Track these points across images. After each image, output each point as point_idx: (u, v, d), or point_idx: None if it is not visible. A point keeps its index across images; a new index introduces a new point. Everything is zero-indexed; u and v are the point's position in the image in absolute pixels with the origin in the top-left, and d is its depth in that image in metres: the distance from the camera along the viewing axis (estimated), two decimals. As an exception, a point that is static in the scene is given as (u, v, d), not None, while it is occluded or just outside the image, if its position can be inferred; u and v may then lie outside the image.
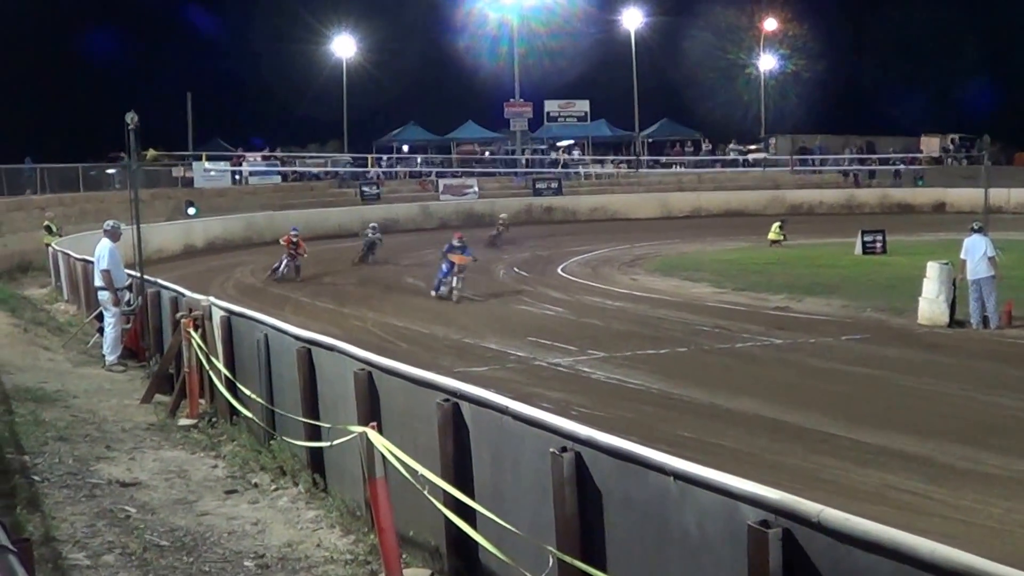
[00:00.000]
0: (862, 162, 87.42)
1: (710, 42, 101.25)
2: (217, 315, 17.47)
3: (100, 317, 24.07)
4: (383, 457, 9.97)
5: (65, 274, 34.95)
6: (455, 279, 35.49)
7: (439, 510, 9.53)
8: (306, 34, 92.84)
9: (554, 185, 77.38)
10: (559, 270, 42.86)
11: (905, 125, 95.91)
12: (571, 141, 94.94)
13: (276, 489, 13.55)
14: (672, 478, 7.13)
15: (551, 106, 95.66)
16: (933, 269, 27.76)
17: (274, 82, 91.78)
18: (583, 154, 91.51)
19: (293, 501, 12.99)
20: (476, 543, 9.22)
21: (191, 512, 12.64)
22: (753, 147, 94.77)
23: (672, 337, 26.26)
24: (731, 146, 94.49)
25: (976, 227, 28.36)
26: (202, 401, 17.96)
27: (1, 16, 77.21)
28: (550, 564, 7.98)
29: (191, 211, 60.70)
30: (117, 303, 23.23)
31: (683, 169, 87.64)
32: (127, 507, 12.59)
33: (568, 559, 7.87)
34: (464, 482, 9.65)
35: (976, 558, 5.35)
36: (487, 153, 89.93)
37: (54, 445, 15.36)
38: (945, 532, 11.22)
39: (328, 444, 11.95)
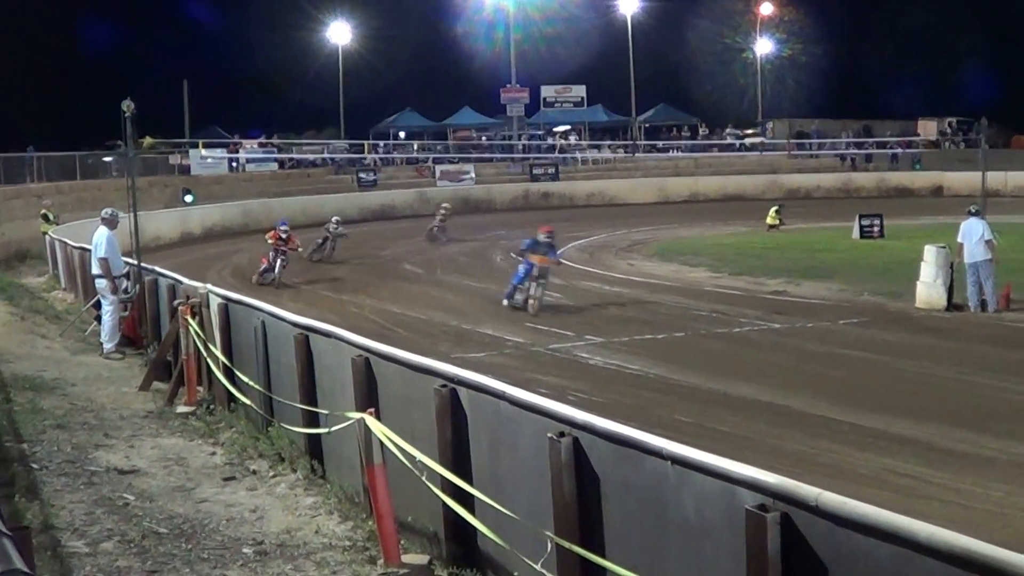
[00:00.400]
0: (859, 146, 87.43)
1: (707, 27, 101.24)
2: (214, 302, 17.47)
3: (98, 305, 24.08)
4: (381, 443, 9.99)
5: (63, 262, 34.92)
6: (534, 285, 28.73)
7: (437, 496, 9.54)
8: (302, 20, 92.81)
9: (551, 170, 77.35)
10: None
11: (902, 109, 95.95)
12: (568, 126, 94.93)
13: (274, 476, 13.56)
14: (670, 463, 7.14)
15: (548, 92, 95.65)
16: (930, 253, 27.75)
17: (270, 69, 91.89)
18: (580, 139, 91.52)
19: (291, 488, 12.99)
20: (474, 529, 9.24)
21: (189, 499, 12.65)
22: (750, 132, 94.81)
23: (670, 322, 26.26)
24: (728, 131, 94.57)
25: (973, 210, 28.35)
26: (200, 388, 17.97)
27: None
28: (548, 549, 7.98)
29: (188, 199, 60.62)
30: (115, 291, 23.24)
31: (680, 154, 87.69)
32: (125, 495, 12.60)
33: (566, 544, 7.88)
34: (462, 468, 9.66)
35: (974, 541, 5.35)
36: (484, 139, 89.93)
37: (52, 433, 15.38)
38: (944, 516, 11.23)
39: (326, 431, 11.95)
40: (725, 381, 19.92)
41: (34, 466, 13.50)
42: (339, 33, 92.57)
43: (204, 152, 73.22)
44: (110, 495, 12.54)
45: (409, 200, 68.45)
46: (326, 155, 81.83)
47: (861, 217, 47.39)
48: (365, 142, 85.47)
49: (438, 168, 76.74)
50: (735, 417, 17.25)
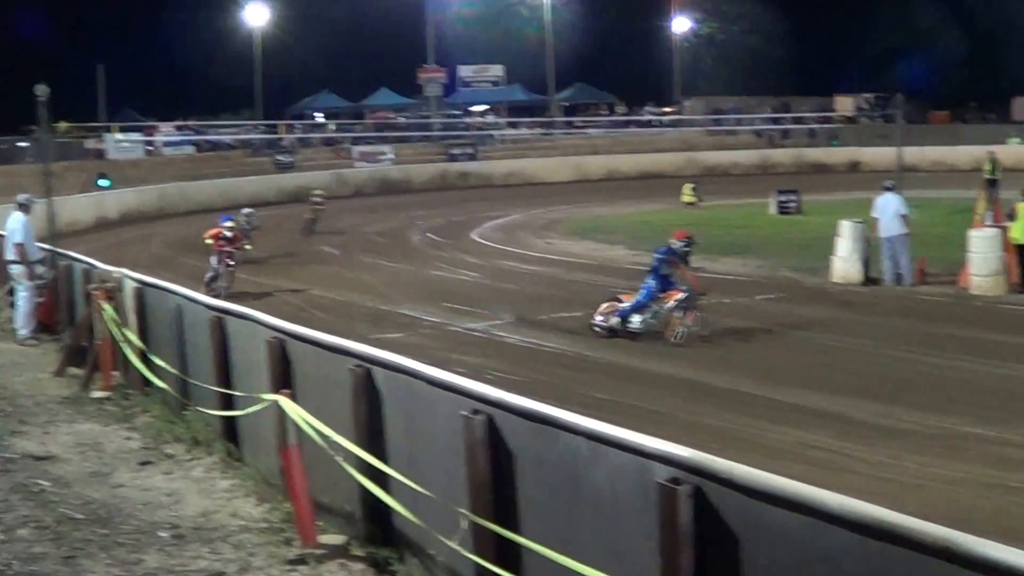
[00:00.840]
0: (776, 122, 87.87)
1: (624, 5, 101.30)
2: (129, 286, 17.33)
3: (12, 291, 23.78)
4: (296, 425, 9.95)
5: (-25, 248, 34.45)
6: (679, 307, 21.87)
7: (353, 476, 9.51)
8: (219, 1, 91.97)
9: (469, 150, 77.19)
10: (474, 235, 42.78)
11: (819, 85, 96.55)
12: (486, 106, 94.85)
13: (191, 459, 13.48)
14: (584, 438, 7.16)
15: (465, 71, 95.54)
16: (846, 228, 27.99)
17: (186, 52, 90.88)
18: (498, 119, 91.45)
19: (208, 471, 12.93)
20: (390, 508, 9.22)
21: (105, 484, 12.55)
22: (668, 109, 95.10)
23: (587, 300, 26.23)
24: (646, 109, 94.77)
25: (888, 185, 28.59)
26: (115, 373, 17.80)
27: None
28: (464, 526, 7.99)
29: (103, 183, 59.95)
30: (30, 277, 22.96)
31: (598, 132, 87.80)
32: (41, 481, 12.49)
33: (481, 521, 7.89)
34: (378, 448, 9.64)
35: (883, 510, 5.40)
36: (401, 119, 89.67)
37: (-34, 421, 15.22)
38: (860, 488, 11.31)
39: (242, 413, 11.90)
40: (642, 358, 20.05)
41: (-53, 454, 13.36)
42: (255, 14, 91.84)
43: (120, 136, 72.48)
44: (25, 482, 12.43)
45: (326, 182, 68.06)
46: (242, 137, 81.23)
47: (778, 193, 47.70)
48: (281, 123, 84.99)
49: (355, 149, 76.36)
50: (652, 393, 17.36)
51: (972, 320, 23.32)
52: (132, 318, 17.05)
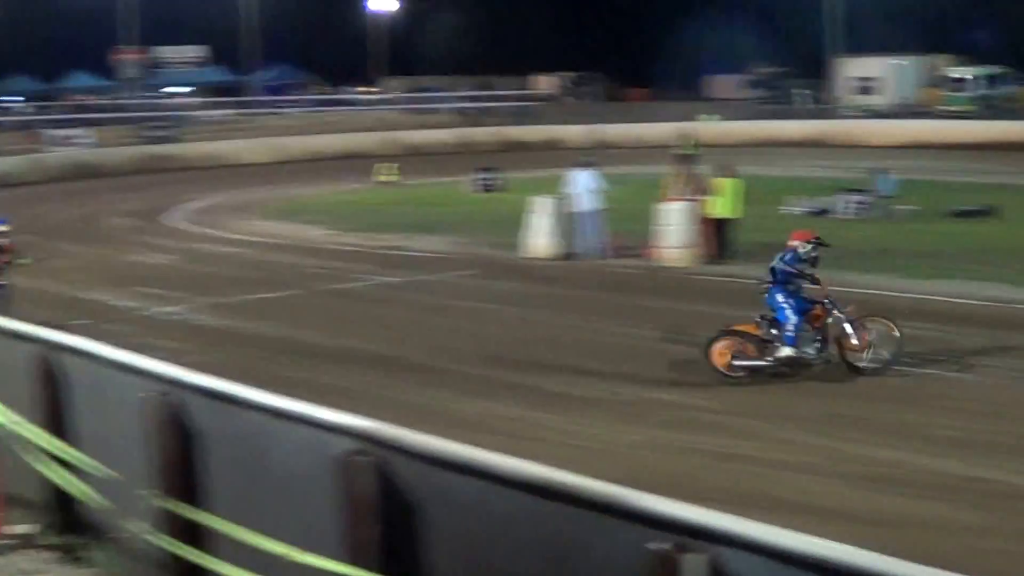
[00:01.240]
0: (477, 100, 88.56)
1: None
2: None
3: None
4: (-25, 413, 9.71)
5: None
6: (853, 330, 17.10)
7: (40, 464, 9.34)
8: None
9: (168, 133, 75.81)
10: (172, 218, 42.03)
11: (521, 64, 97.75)
12: (186, 87, 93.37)
13: None
14: (265, 414, 7.19)
15: (165, 52, 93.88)
16: (542, 203, 28.45)
17: None
18: (195, 100, 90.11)
19: None
20: (78, 494, 9.09)
21: None
22: (368, 89, 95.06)
23: (284, 280, 26.20)
24: (347, 88, 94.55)
25: (584, 161, 29.16)
26: None
27: None
28: (151, 507, 7.94)
29: None
30: None
31: (300, 112, 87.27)
32: None
33: (169, 502, 7.86)
34: (63, 434, 9.47)
35: (552, 471, 5.58)
36: (98, 101, 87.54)
37: None
38: (548, 455, 11.46)
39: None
40: (339, 336, 20.13)
41: None
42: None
43: None
44: None
45: (19, 167, 66.01)
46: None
47: (479, 171, 48.09)
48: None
49: (50, 133, 74.26)
50: (347, 371, 17.46)
51: (664, 291, 24.02)
52: None
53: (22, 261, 22.30)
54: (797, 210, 34.62)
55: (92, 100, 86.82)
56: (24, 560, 9.63)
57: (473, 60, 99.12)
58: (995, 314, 20.89)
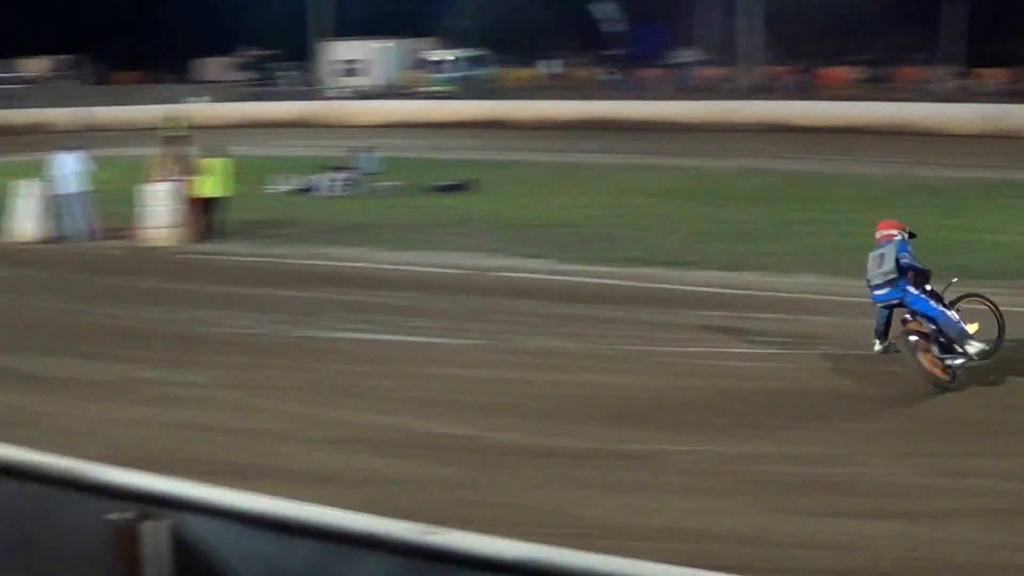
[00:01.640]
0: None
1: None
2: None
3: None
4: None
5: None
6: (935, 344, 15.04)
7: None
8: None
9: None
10: None
11: (5, 47, 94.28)
12: None
13: None
14: None
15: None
16: (27, 186, 27.88)
17: None
18: None
19: None
20: None
21: None
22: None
23: None
24: None
25: (70, 145, 28.79)
26: None
27: None
28: None
29: None
30: None
31: None
32: None
33: None
34: None
35: (14, 450, 5.72)
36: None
37: None
38: (45, 440, 11.54)
39: None
40: None
41: None
42: None
43: None
44: None
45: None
46: None
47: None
48: None
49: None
50: None
51: (150, 271, 24.11)
52: None
53: None
54: (283, 188, 35.35)
55: None
56: None
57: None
58: (467, 281, 22.13)
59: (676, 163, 43.41)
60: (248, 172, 32.35)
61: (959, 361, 14.82)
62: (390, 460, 12.37)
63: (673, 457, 12.32)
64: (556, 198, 33.45)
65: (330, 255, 23.70)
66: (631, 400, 14.42)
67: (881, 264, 15.24)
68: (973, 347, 14.81)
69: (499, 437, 13.00)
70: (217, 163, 27.49)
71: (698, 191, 35.13)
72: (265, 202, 28.61)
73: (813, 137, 52.34)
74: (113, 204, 28.44)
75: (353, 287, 21.66)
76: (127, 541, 5.39)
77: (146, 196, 26.97)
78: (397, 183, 35.20)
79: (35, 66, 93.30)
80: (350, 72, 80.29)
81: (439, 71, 76.35)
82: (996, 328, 15.36)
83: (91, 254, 26.15)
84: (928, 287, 15.20)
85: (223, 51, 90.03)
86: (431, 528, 3.20)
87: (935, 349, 14.75)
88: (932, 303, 14.99)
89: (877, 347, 15.51)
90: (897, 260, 15.11)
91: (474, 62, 76.45)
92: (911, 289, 15.06)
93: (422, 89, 74.06)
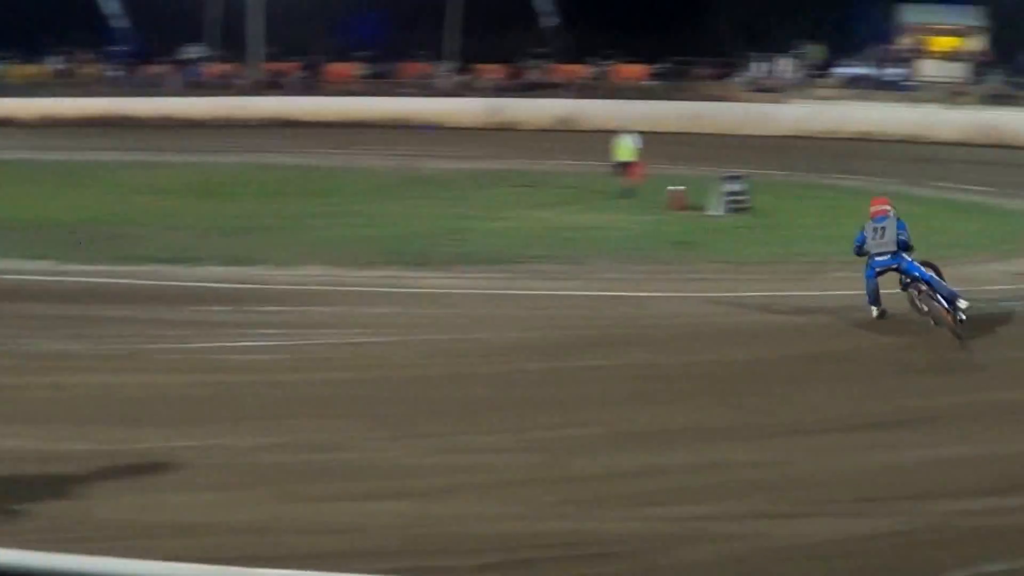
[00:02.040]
0: None
1: None
2: None
3: None
4: None
5: None
6: (935, 293, 17.49)
7: None
8: None
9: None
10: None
11: None
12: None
13: None
14: None
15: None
16: None
17: None
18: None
19: None
20: None
21: None
22: None
23: None
24: None
25: None
26: None
27: None
28: None
29: None
30: None
31: None
32: None
33: None
34: None
35: None
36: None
37: None
38: None
39: None
40: None
41: None
42: None
43: None
44: None
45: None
46: None
47: None
48: None
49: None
50: None
51: None
52: None
53: None
54: None
55: None
56: None
57: None
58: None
59: (185, 160, 43.29)
60: None
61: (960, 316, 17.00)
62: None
63: (186, 453, 12.21)
64: (60, 197, 32.61)
65: None
66: (139, 399, 14.25)
67: (883, 236, 17.83)
68: (963, 303, 17.09)
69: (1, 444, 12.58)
70: None
71: (207, 187, 35.05)
72: None
73: (320, 131, 53.21)
74: None
75: None
76: None
77: None
78: None
79: None
80: None
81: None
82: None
83: None
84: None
85: None
86: None
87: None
88: (924, 269, 17.51)
89: (874, 313, 17.92)
90: (897, 235, 17.76)
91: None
92: (906, 256, 17.66)
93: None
